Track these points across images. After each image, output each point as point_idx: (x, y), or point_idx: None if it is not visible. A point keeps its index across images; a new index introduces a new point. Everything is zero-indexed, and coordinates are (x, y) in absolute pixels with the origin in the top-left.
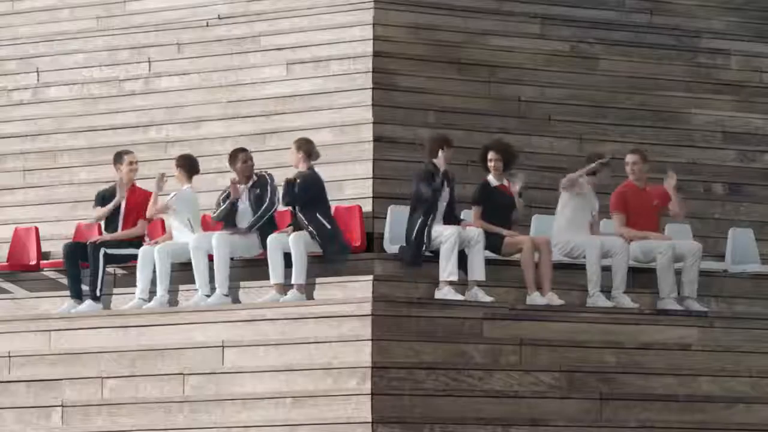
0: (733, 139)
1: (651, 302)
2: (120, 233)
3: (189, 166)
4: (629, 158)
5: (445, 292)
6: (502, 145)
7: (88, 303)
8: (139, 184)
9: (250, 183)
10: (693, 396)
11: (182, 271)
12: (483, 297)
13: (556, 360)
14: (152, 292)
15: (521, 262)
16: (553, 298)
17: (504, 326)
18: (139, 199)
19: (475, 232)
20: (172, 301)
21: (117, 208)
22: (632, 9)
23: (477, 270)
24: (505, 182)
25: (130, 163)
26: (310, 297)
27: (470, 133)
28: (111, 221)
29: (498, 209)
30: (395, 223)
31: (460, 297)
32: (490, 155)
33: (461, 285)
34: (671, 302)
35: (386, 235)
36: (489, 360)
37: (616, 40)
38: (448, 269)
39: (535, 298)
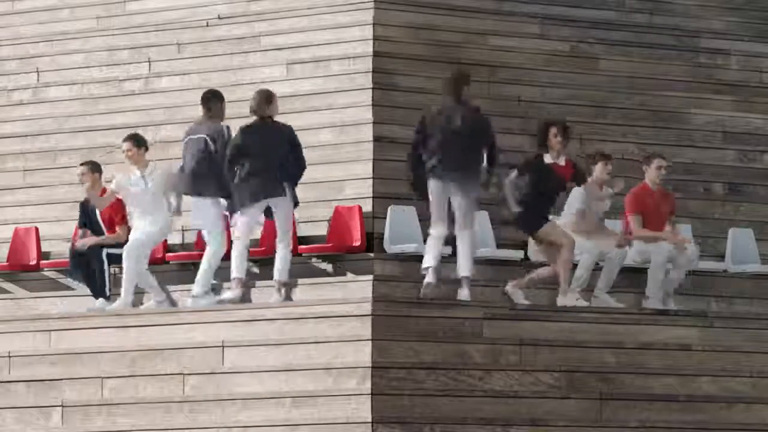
0: (733, 139)
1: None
2: (106, 237)
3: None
4: (661, 162)
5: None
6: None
7: (101, 302)
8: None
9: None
10: (693, 396)
11: (181, 271)
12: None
13: (556, 360)
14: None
15: (559, 261)
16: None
17: (504, 326)
18: (111, 204)
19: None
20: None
21: (95, 216)
22: (632, 9)
23: (464, 264)
24: (561, 161)
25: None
26: (309, 297)
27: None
28: (95, 229)
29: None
30: (395, 223)
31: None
32: (554, 131)
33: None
34: (657, 302)
35: (386, 235)
36: (489, 360)
37: (616, 40)
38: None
39: (569, 300)
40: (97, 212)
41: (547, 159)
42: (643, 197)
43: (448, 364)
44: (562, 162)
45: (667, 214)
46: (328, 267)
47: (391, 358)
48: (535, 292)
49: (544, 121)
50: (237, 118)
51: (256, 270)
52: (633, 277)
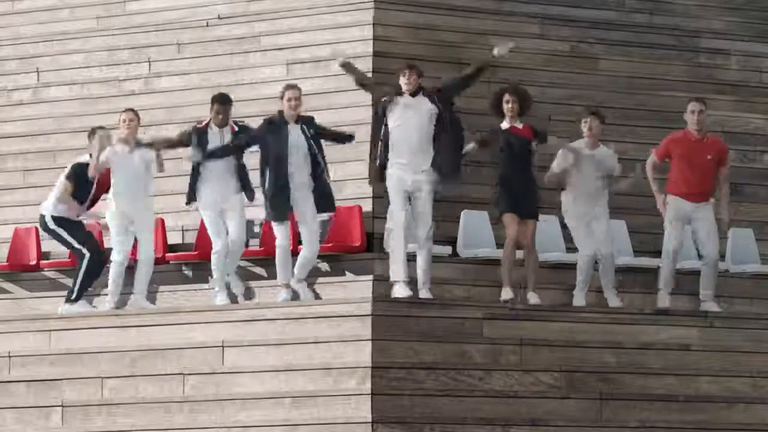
0: (733, 139)
1: (651, 302)
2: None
3: None
4: (694, 106)
5: (396, 291)
6: (520, 89)
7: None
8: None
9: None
10: (693, 396)
11: (181, 271)
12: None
13: (556, 360)
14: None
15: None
16: (533, 297)
17: (504, 326)
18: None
19: None
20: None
21: (90, 187)
22: (632, 9)
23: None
24: (519, 124)
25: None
26: (309, 297)
27: (470, 134)
28: (82, 199)
29: (513, 153)
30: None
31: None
32: (506, 97)
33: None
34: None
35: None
36: (489, 360)
37: (616, 40)
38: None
39: (504, 294)
40: (94, 184)
41: (504, 125)
42: (674, 141)
43: (448, 364)
44: (519, 125)
45: (712, 164)
46: (328, 267)
47: (391, 358)
48: (537, 291)
49: (499, 88)
50: (236, 118)
51: (257, 270)
52: (634, 276)
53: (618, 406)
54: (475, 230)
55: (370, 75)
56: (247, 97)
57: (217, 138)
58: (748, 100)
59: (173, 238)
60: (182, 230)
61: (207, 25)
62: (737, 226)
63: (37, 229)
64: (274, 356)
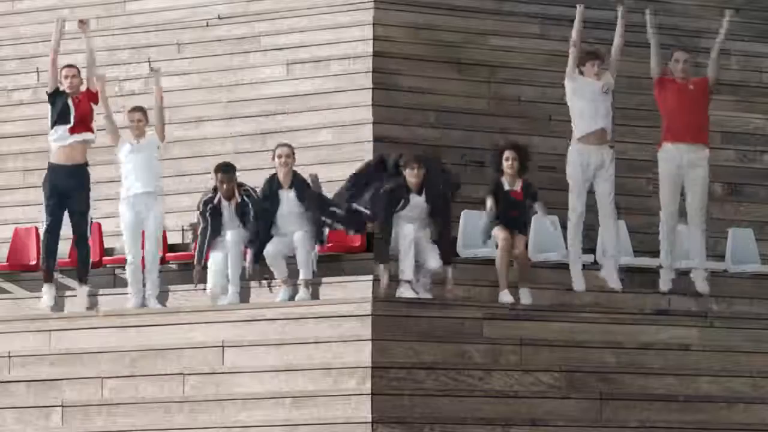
0: (733, 139)
1: (651, 302)
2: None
3: None
4: (679, 55)
5: (402, 291)
6: (521, 146)
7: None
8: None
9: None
10: (693, 396)
11: (180, 271)
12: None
13: (556, 360)
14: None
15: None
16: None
17: (504, 326)
18: (91, 100)
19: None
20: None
21: (67, 110)
22: (632, 9)
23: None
24: (517, 187)
25: (65, 77)
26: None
27: (470, 134)
28: (61, 118)
29: (507, 210)
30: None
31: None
32: (507, 154)
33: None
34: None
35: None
36: (489, 360)
37: None
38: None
39: (503, 296)
40: (72, 108)
41: (505, 186)
42: (665, 84)
43: (448, 364)
44: (517, 188)
45: (697, 94)
46: (328, 267)
47: (391, 358)
48: (537, 292)
49: (500, 145)
50: (236, 118)
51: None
52: (633, 276)
53: (618, 406)
54: (475, 230)
55: (370, 74)
56: (247, 97)
57: (226, 212)
58: (748, 100)
59: (173, 238)
60: (182, 230)
61: (207, 25)
62: (737, 226)
63: (36, 229)
64: (274, 356)
